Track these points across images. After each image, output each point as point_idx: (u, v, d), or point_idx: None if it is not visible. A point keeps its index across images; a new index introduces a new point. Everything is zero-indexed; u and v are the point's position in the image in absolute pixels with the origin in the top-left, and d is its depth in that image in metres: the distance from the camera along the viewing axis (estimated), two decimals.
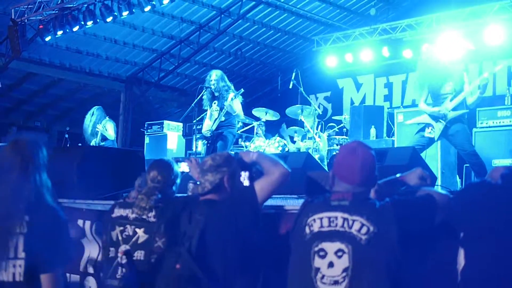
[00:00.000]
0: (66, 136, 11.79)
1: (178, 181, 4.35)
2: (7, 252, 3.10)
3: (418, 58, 7.63)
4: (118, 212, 4.16)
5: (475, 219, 2.66)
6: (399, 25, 14.36)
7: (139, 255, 4.01)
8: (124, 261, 3.96)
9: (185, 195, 4.60)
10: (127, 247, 4.05)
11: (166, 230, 3.94)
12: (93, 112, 11.03)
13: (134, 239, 4.05)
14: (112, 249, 4.13)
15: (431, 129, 7.26)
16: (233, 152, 9.38)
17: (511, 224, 2.54)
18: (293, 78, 11.17)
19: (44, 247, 3.11)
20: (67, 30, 12.16)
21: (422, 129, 7.43)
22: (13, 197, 3.15)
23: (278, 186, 3.95)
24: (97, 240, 5.31)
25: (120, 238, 4.06)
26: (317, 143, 10.83)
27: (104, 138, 10.94)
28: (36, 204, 3.18)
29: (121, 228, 4.08)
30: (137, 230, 4.05)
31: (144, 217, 4.04)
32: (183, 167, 4.85)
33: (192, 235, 3.81)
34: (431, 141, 7.45)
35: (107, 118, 11.07)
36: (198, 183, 4.19)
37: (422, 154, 7.10)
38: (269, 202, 4.17)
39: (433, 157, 8.43)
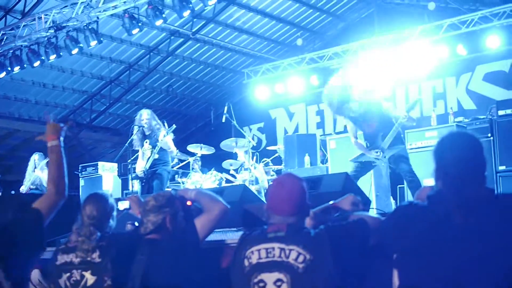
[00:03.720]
0: None
1: (115, 213, 4.31)
2: None
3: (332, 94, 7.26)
4: (61, 258, 4.10)
5: (404, 240, 2.74)
6: (325, 53, 14.74)
7: None
8: None
9: (126, 231, 4.59)
10: None
11: (113, 268, 3.93)
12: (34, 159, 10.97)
13: (82, 283, 3.99)
14: None
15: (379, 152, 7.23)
16: (170, 189, 9.38)
17: (438, 244, 2.64)
18: (225, 111, 11.22)
19: None
20: None
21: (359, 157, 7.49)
22: None
23: (218, 222, 4.05)
24: None
25: (68, 284, 4.00)
26: (253, 174, 10.90)
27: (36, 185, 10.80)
28: None
29: (68, 274, 4.02)
30: (84, 273, 3.99)
31: (89, 259, 3.99)
32: (124, 204, 4.83)
33: (135, 274, 3.82)
34: (368, 166, 7.55)
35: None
36: (135, 223, 4.19)
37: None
38: (209, 236, 4.22)
39: (366, 181, 8.57)
